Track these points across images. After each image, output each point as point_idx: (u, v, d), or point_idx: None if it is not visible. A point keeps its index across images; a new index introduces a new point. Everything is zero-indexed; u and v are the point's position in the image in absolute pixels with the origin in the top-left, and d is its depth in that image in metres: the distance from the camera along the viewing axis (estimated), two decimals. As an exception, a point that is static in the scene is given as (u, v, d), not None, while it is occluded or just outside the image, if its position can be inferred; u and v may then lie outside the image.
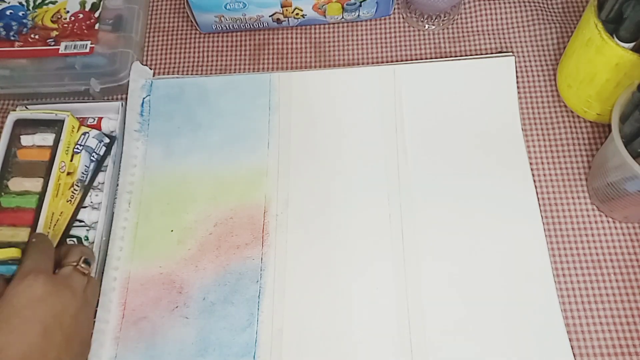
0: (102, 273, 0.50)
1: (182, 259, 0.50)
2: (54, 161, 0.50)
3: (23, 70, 0.59)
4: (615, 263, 0.49)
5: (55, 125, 0.52)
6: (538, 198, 0.51)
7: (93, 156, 0.53)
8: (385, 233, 0.50)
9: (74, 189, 0.52)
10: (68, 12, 0.61)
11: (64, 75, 0.58)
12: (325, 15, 0.59)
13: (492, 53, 0.58)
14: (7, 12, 0.61)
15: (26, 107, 0.55)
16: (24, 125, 0.52)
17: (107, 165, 0.54)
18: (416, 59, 0.59)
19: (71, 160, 0.52)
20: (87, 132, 0.53)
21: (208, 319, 0.48)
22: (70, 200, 0.51)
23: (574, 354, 0.46)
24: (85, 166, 0.52)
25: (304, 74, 0.58)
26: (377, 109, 0.56)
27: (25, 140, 0.52)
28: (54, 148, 0.51)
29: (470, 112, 0.55)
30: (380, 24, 0.61)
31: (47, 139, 0.52)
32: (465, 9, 0.61)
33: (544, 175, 0.53)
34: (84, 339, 0.45)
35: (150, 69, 0.60)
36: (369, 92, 0.56)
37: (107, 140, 0.54)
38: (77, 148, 0.52)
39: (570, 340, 0.46)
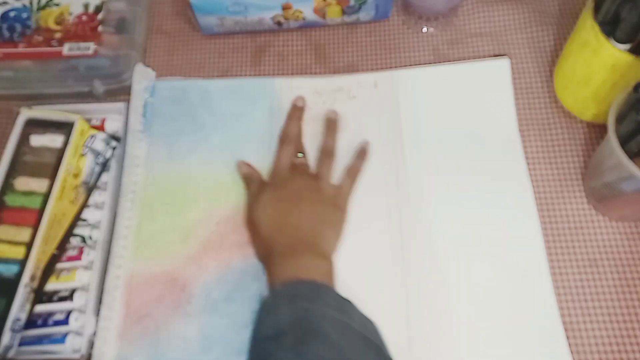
0: (106, 272, 0.51)
1: (185, 258, 0.51)
2: (61, 163, 0.50)
3: (27, 71, 0.59)
4: (612, 262, 0.49)
5: (65, 127, 0.52)
6: (535, 198, 0.52)
7: (99, 158, 0.53)
8: (384, 233, 0.51)
9: (79, 191, 0.52)
10: (71, 14, 0.62)
11: (67, 77, 0.58)
12: (325, 18, 0.60)
13: (489, 55, 0.59)
14: (11, 14, 0.62)
15: (30, 109, 0.56)
16: (34, 125, 0.53)
17: (110, 165, 0.54)
18: (414, 62, 0.59)
19: (78, 162, 0.52)
20: (95, 135, 0.54)
21: (211, 316, 0.48)
22: (74, 202, 0.52)
23: (571, 351, 0.46)
24: (91, 168, 0.53)
25: (304, 80, 0.58)
26: (376, 113, 0.56)
27: (35, 140, 0.52)
28: (62, 150, 0.51)
29: (468, 115, 0.56)
30: (380, 26, 0.62)
31: (56, 140, 0.52)
32: (463, 11, 0.61)
33: (541, 175, 0.53)
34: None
35: (153, 70, 0.60)
36: (367, 97, 0.57)
37: (114, 143, 0.55)
38: (84, 150, 0.53)
39: (567, 338, 0.47)
